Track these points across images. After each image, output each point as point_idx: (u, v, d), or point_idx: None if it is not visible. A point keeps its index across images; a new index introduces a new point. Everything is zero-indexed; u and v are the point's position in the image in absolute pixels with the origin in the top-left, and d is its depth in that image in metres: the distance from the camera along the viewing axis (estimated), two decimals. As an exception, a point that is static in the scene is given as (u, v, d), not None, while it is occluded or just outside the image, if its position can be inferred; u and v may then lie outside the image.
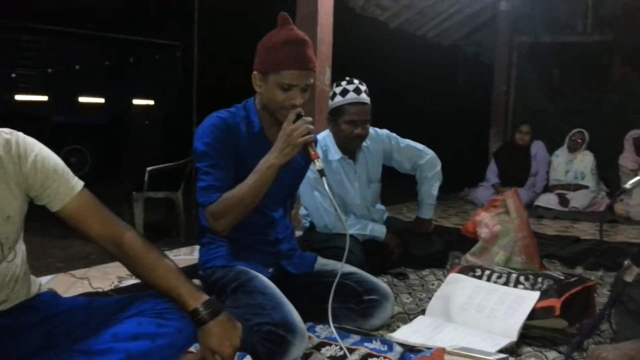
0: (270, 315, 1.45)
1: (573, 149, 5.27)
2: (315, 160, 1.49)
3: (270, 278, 1.66)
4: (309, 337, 1.59)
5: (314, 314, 1.69)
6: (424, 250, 2.65)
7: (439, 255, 2.67)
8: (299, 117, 1.52)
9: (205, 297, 1.22)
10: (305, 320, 1.56)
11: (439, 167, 2.74)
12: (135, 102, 8.79)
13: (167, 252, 2.97)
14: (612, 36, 6.65)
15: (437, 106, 6.88)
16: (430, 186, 2.73)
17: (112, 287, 2.20)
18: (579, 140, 5.25)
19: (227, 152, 1.61)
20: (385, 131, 2.70)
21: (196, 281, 1.73)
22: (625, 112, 6.39)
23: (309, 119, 1.53)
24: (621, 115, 6.34)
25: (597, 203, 4.96)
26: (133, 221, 3.98)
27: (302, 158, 1.74)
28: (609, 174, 5.37)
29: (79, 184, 1.21)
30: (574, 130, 5.33)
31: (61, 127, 7.50)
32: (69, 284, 2.22)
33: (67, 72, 7.88)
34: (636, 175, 4.90)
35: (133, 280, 2.18)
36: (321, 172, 1.48)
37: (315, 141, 1.63)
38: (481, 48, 7.80)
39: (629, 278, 0.67)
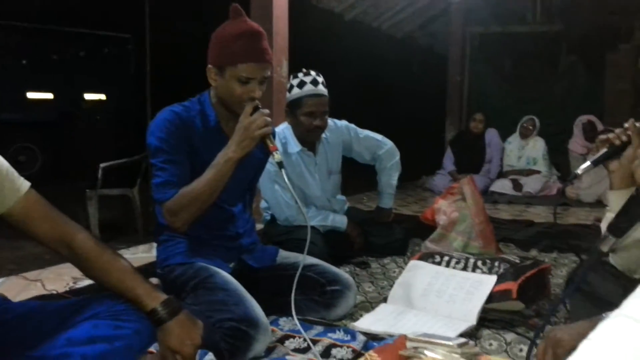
0: (232, 310, 1.43)
1: (525, 135, 5.44)
2: (274, 153, 1.48)
3: (231, 273, 1.64)
4: (273, 331, 1.59)
5: (277, 307, 1.69)
6: (385, 238, 2.68)
7: (399, 243, 2.71)
8: (256, 109, 1.50)
9: (164, 296, 1.19)
10: (268, 314, 1.55)
11: (397, 157, 2.78)
12: (87, 97, 8.49)
13: (124, 251, 2.92)
14: (559, 26, 6.89)
15: (394, 97, 6.96)
16: (390, 176, 2.77)
17: (67, 288, 2.13)
18: (530, 127, 5.42)
19: (182, 147, 1.58)
20: (344, 122, 2.71)
21: (154, 280, 1.70)
22: (573, 98, 6.65)
23: (267, 111, 1.52)
24: (570, 102, 6.60)
25: (549, 187, 5.15)
26: (88, 220, 3.86)
27: (261, 151, 1.72)
28: (559, 159, 5.58)
29: (24, 184, 1.15)
30: (525, 118, 5.50)
31: (9, 125, 7.17)
32: (21, 287, 2.13)
33: (14, 67, 7.54)
34: (585, 159, 5.13)
35: (89, 281, 2.11)
36: (280, 165, 1.48)
37: (274, 134, 1.62)
38: (435, 39, 7.92)
39: (605, 248, 0.70)
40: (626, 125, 1.36)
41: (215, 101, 1.65)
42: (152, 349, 1.22)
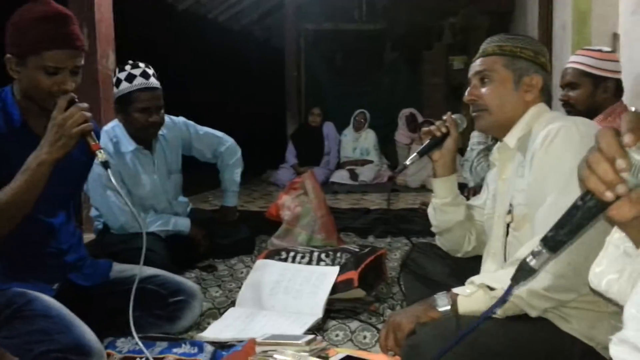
0: (56, 340, 1.26)
1: (357, 128, 5.82)
2: (97, 152, 1.34)
3: (55, 296, 1.45)
4: (109, 355, 1.44)
5: (114, 328, 1.54)
6: (231, 238, 2.63)
7: (246, 243, 2.67)
8: (71, 103, 1.33)
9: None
10: (103, 337, 1.40)
11: (239, 153, 2.74)
12: None
13: None
14: (382, 25, 7.46)
15: (233, 91, 6.87)
16: (232, 173, 2.72)
17: None
18: (362, 120, 5.82)
19: None
20: (182, 119, 2.58)
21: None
22: (397, 92, 7.27)
23: (85, 105, 1.35)
24: (394, 96, 7.20)
25: (381, 175, 5.58)
26: None
27: (83, 153, 1.53)
28: (388, 149, 6.08)
29: None
30: (357, 111, 5.89)
31: None
32: None
33: None
34: (410, 148, 5.64)
35: None
36: (105, 165, 1.34)
37: (96, 131, 1.44)
38: (271, 34, 8.02)
39: (537, 265, 0.70)
40: (444, 117, 1.50)
41: (19, 97, 1.43)
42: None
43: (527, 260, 0.75)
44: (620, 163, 0.61)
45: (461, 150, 3.97)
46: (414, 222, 3.21)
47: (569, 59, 2.29)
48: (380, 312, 1.78)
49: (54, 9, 1.38)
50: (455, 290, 1.20)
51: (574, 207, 0.67)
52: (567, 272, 1.07)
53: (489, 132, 1.38)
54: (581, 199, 0.66)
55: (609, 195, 0.62)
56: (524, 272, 0.76)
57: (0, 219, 1.30)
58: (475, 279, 1.20)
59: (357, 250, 2.02)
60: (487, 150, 2.68)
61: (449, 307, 1.17)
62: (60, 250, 1.54)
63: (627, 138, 0.61)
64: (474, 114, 1.35)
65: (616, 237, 0.72)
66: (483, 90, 1.32)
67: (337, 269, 1.86)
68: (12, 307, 1.35)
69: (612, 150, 0.61)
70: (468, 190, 2.72)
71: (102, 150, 1.35)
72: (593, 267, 0.75)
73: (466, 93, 1.36)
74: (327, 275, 1.84)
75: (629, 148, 0.61)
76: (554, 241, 0.71)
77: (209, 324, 1.72)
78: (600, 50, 2.15)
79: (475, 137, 2.69)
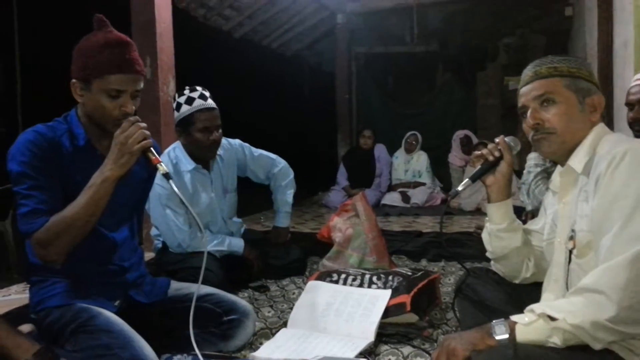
0: (117, 355, 1.31)
1: (409, 150, 5.77)
2: (158, 165, 1.40)
3: (117, 312, 1.51)
4: (166, 371, 1.48)
5: (171, 344, 1.58)
6: (283, 259, 2.66)
7: (297, 264, 2.70)
8: (132, 123, 1.41)
9: (36, 346, 1.06)
10: (161, 352, 1.45)
11: (291, 175, 2.79)
12: (-53, 121, 7.55)
13: (-6, 293, 2.59)
14: (435, 46, 7.44)
15: (286, 114, 7.02)
16: (285, 194, 2.77)
17: None
18: (414, 142, 5.76)
19: (49, 169, 1.42)
20: (237, 141, 2.67)
21: (28, 326, 1.51)
22: (450, 114, 7.18)
23: (143, 123, 1.42)
24: (447, 117, 7.12)
25: (434, 197, 5.49)
26: (-53, 261, 3.38)
27: (144, 170, 1.62)
28: (441, 171, 5.99)
29: None
30: (409, 133, 5.84)
31: None
32: None
33: None
34: (464, 170, 5.54)
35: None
36: (167, 176, 1.40)
37: (156, 148, 1.51)
38: (323, 58, 8.17)
39: None
40: (497, 140, 1.47)
41: (84, 119, 1.51)
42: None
43: None
44: None
45: (517, 172, 3.87)
46: (468, 246, 3.14)
47: (635, 77, 2.21)
48: (434, 338, 1.74)
49: (116, 36, 1.46)
50: (513, 318, 1.16)
51: None
52: (634, 304, 1.02)
53: (554, 155, 1.32)
54: None
55: None
56: None
57: (67, 234, 1.37)
58: (535, 307, 1.15)
59: (409, 273, 1.99)
60: (545, 172, 2.60)
61: (506, 336, 1.13)
62: (122, 268, 1.61)
63: None
64: (536, 137, 1.31)
65: None
66: (547, 113, 1.27)
67: (389, 292, 1.84)
68: (77, 322, 1.42)
69: None
70: (526, 215, 2.64)
71: (162, 164, 1.41)
72: None
73: (528, 118, 1.31)
74: (379, 298, 1.82)
75: None
76: None
77: (261, 343, 1.74)
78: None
79: (532, 159, 2.61)
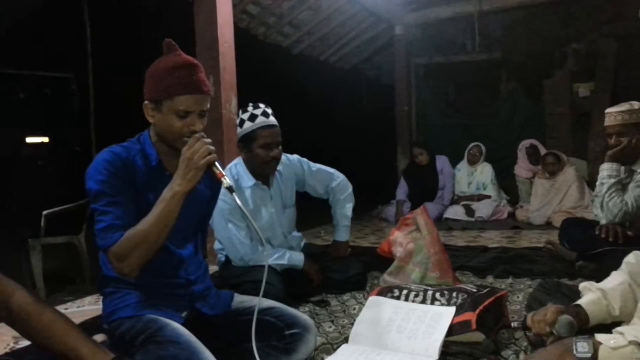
0: (184, 365, 1.34)
1: (472, 162, 5.57)
2: (222, 179, 1.45)
3: (184, 323, 1.55)
4: (230, 383, 1.50)
5: (234, 356, 1.60)
6: (343, 274, 2.65)
7: (358, 278, 2.67)
8: (197, 140, 1.47)
9: (109, 355, 1.11)
10: (225, 365, 1.47)
11: (350, 189, 2.78)
12: (28, 140, 8.15)
13: (70, 303, 2.74)
14: (497, 54, 7.23)
15: (345, 128, 7.05)
16: (344, 208, 2.76)
17: (8, 349, 1.98)
18: (477, 154, 5.57)
19: (124, 187, 1.50)
20: (296, 156, 2.70)
21: (101, 336, 1.59)
22: (515, 123, 6.93)
23: (208, 139, 1.48)
24: (512, 127, 6.87)
25: (500, 211, 5.27)
26: (31, 271, 3.62)
27: (208, 188, 1.68)
28: (507, 183, 5.76)
29: None
30: (471, 144, 5.64)
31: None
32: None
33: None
34: (530, 182, 5.31)
35: (29, 341, 1.96)
36: (230, 189, 1.44)
37: (220, 163, 1.57)
38: (381, 70, 8.14)
39: None
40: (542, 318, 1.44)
41: (155, 139, 1.60)
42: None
43: None
44: None
45: (589, 183, 3.66)
46: (539, 262, 3.00)
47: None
48: (506, 359, 1.66)
49: (184, 59, 1.53)
50: (598, 337, 1.08)
51: None
52: None
53: None
54: None
55: None
56: None
57: (141, 248, 1.44)
58: (626, 331, 1.07)
59: (474, 290, 1.93)
60: (620, 184, 2.44)
61: (589, 355, 1.06)
62: (188, 281, 1.66)
63: None
64: None
65: None
66: None
67: (453, 309, 1.78)
68: (146, 332, 1.48)
69: None
70: (600, 229, 2.49)
71: (226, 177, 1.46)
72: None
73: None
74: (442, 315, 1.77)
75: None
76: None
77: (322, 359, 1.73)
78: None
79: (605, 169, 2.46)
